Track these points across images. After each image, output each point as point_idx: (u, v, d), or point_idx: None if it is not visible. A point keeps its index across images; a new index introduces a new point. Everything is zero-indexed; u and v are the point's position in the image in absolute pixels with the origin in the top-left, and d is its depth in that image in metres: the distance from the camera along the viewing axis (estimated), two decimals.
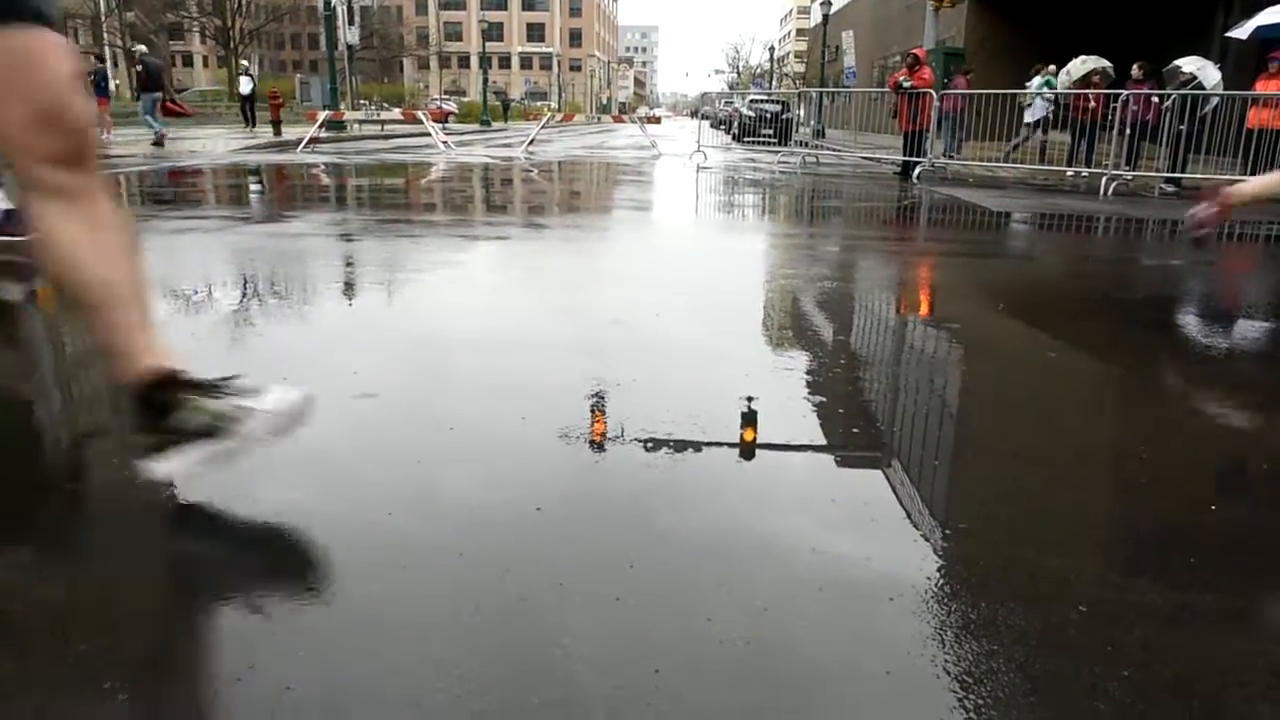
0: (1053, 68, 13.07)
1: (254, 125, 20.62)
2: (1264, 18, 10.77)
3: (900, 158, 11.92)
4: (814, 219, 7.35)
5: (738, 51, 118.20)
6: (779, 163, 13.69)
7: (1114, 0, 18.71)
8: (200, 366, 1.60)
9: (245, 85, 21.48)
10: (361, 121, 21.16)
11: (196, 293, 3.66)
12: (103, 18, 42.65)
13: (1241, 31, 11.46)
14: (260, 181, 9.45)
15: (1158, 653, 1.27)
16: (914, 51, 12.28)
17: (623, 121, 25.34)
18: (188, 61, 74.19)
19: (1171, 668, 1.24)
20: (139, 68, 15.39)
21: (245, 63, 22.90)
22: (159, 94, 15.45)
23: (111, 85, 19.50)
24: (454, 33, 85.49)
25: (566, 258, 4.95)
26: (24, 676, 1.17)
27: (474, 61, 75.09)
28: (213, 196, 8.16)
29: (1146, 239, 6.61)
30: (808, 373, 2.66)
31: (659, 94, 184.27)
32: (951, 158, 12.62)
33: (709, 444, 2.04)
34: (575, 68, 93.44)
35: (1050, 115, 12.69)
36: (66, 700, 1.12)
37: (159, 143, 14.36)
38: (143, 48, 18.54)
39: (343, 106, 19.93)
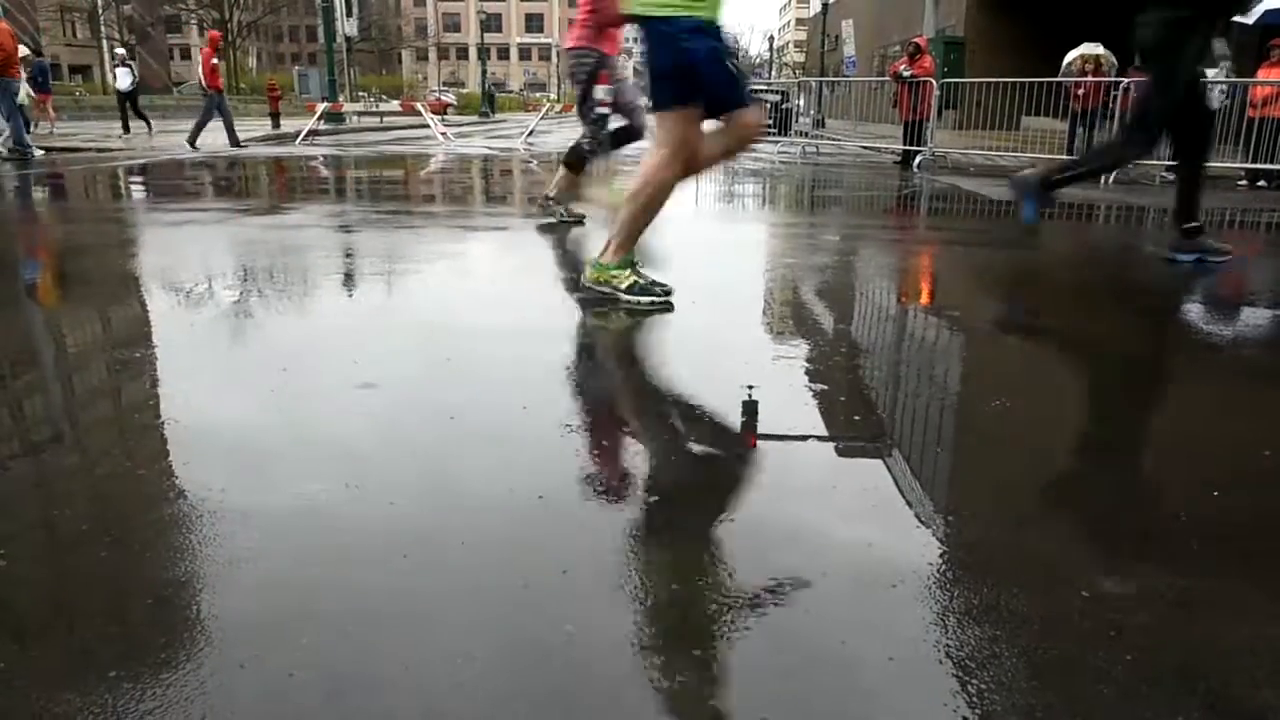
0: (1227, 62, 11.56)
1: (135, 123, 16.14)
2: (1271, 1, 10.68)
3: (900, 147, 11.88)
4: (814, 208, 7.34)
5: (737, 41, 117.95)
6: (779, 152, 13.65)
7: None
8: (199, 357, 1.60)
9: (124, 79, 16.33)
10: (360, 113, 21.16)
11: (197, 284, 3.65)
12: (100, 10, 42.52)
13: (1247, 16, 11.37)
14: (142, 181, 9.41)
15: (1162, 638, 1.27)
16: (915, 40, 12.24)
17: None
18: (185, 55, 73.90)
19: (1176, 653, 1.24)
20: None
21: (122, 51, 17.60)
22: None
23: (118, 78, 17.08)
24: (452, 24, 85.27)
25: (567, 247, 4.94)
26: (26, 663, 1.17)
27: (472, 53, 74.91)
28: (210, 189, 8.15)
29: (1147, 227, 6.59)
30: (808, 361, 2.65)
31: None
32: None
33: (710, 432, 2.03)
34: None
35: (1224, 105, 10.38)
36: (70, 687, 1.12)
37: None
38: None
39: (341, 98, 19.88)
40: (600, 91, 5.14)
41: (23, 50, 13.57)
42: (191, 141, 12.80)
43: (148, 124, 16.33)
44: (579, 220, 5.37)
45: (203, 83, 12.92)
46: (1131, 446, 2.09)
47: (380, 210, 6.27)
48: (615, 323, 3.08)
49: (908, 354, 2.86)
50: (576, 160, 5.40)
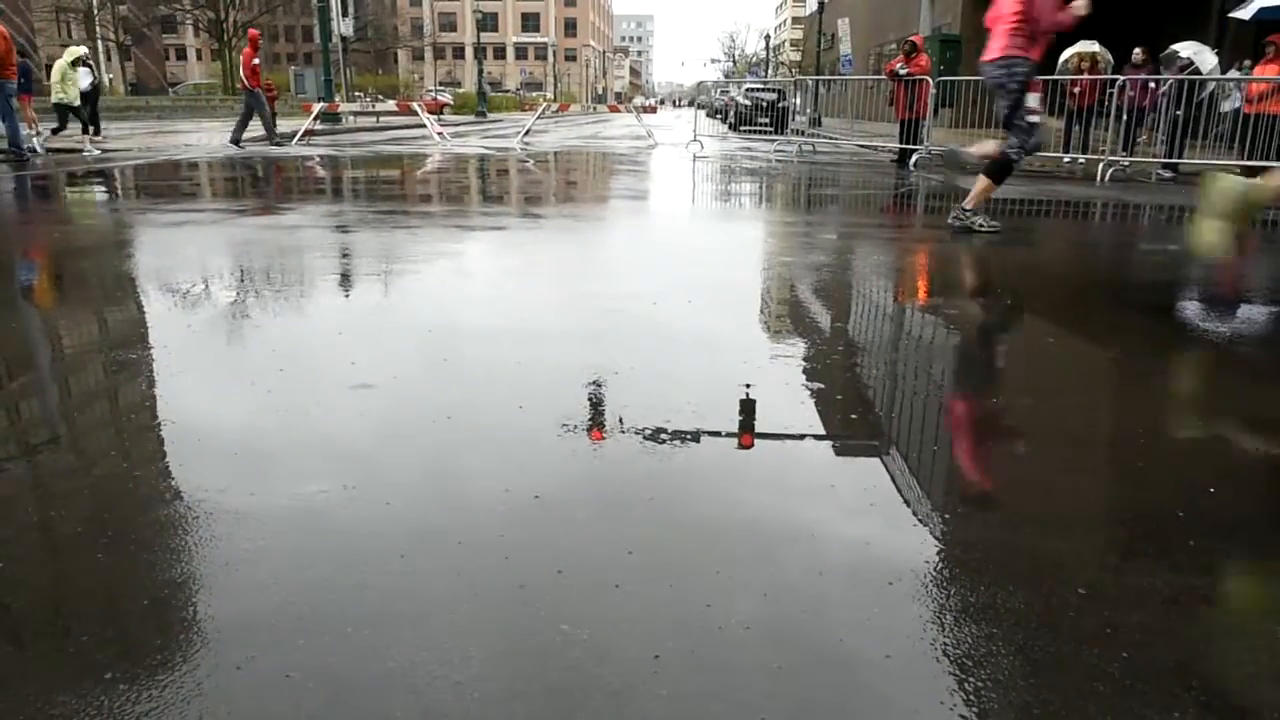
0: (1248, 62, 11.47)
1: (95, 131, 13.95)
2: None
3: (897, 145, 11.88)
4: (810, 207, 7.34)
5: (733, 40, 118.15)
6: (775, 151, 13.65)
7: None
8: (196, 358, 1.60)
9: (84, 79, 14.30)
10: (356, 114, 21.11)
11: (194, 285, 3.65)
12: (95, 11, 42.45)
13: (1244, 12, 11.38)
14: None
15: (1157, 635, 1.27)
16: (912, 38, 12.23)
17: (618, 111, 25.32)
18: (181, 55, 73.81)
19: (1171, 650, 1.24)
20: None
21: (85, 50, 15.60)
22: None
23: (105, 79, 16.63)
24: (448, 23, 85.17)
25: (563, 247, 4.94)
26: (24, 665, 1.17)
27: (469, 52, 74.91)
28: (208, 190, 8.14)
29: (1144, 224, 6.60)
30: (805, 360, 2.66)
31: (654, 84, 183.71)
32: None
33: (707, 431, 2.03)
34: (570, 58, 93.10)
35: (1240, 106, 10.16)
36: (67, 689, 1.12)
37: None
38: None
39: (337, 99, 19.83)
40: (1032, 100, 5.19)
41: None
42: (273, 140, 13.58)
43: (84, 129, 13.92)
44: (995, 230, 5.28)
45: (244, 81, 13.30)
46: (1128, 444, 2.09)
47: (377, 210, 6.26)
48: (613, 322, 3.08)
49: (904, 352, 2.86)
50: (1001, 171, 5.32)
